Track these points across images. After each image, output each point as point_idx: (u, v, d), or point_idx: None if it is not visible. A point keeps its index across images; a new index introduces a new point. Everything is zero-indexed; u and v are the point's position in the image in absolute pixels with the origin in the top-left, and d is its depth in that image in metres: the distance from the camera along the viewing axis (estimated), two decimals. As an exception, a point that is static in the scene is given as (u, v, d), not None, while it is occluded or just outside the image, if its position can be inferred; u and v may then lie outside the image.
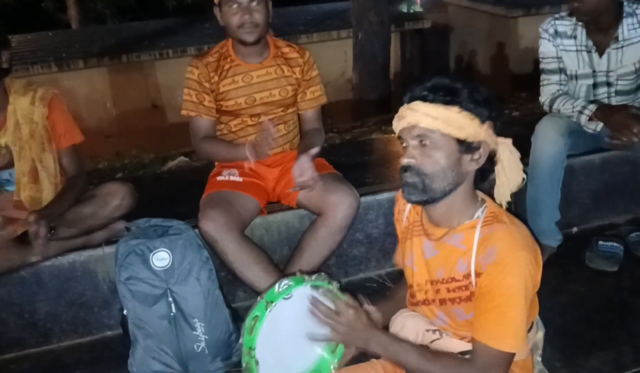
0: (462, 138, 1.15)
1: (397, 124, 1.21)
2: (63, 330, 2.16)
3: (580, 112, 2.22)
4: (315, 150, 2.04)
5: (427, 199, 1.20)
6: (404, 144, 1.21)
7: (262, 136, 1.97)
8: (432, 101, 1.15)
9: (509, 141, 1.24)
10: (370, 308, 1.35)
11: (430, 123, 1.14)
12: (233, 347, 1.89)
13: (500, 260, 1.12)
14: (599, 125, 2.24)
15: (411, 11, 10.75)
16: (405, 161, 1.19)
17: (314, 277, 1.21)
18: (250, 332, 1.15)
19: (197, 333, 1.82)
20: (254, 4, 2.03)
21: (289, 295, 1.16)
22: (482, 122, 1.16)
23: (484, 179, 1.25)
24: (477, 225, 1.19)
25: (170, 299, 1.80)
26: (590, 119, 2.21)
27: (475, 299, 1.18)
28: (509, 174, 1.25)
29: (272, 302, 1.14)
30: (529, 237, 1.19)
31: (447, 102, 1.14)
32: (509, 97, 5.40)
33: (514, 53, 8.76)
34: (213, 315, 1.85)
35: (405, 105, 1.19)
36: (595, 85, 2.31)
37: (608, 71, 2.28)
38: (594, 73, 2.30)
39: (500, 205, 1.28)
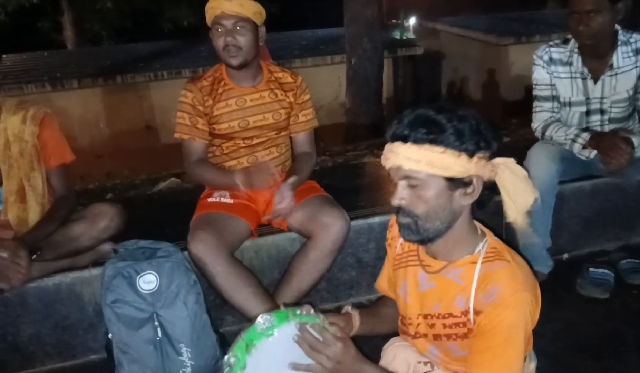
0: (450, 176, 1.10)
1: (383, 163, 1.17)
2: (47, 353, 2.11)
3: (574, 141, 2.24)
4: (292, 180, 2.06)
5: (422, 239, 1.17)
6: (395, 182, 1.17)
7: (259, 170, 2.00)
8: (414, 141, 1.09)
9: (510, 161, 1.16)
10: (354, 312, 1.33)
11: (414, 165, 1.09)
12: (220, 373, 1.85)
13: (501, 301, 1.09)
14: (592, 153, 2.26)
15: (404, 38, 10.93)
16: (395, 202, 1.15)
17: (298, 311, 1.17)
18: (230, 371, 1.11)
19: (183, 358, 1.78)
20: (239, 27, 2.04)
21: (271, 334, 1.11)
22: (471, 156, 1.10)
23: (481, 207, 1.19)
24: (477, 260, 1.16)
25: (156, 323, 1.76)
26: (584, 147, 2.23)
27: (472, 337, 1.15)
28: (513, 196, 1.16)
29: (252, 342, 1.10)
30: (530, 275, 1.15)
31: (429, 142, 1.08)
32: (500, 123, 5.46)
33: (505, 80, 8.89)
34: (200, 340, 1.82)
35: (388, 145, 1.14)
36: (588, 113, 2.34)
37: (602, 98, 2.31)
38: (587, 100, 2.33)
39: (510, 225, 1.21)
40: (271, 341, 1.11)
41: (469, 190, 1.13)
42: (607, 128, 2.34)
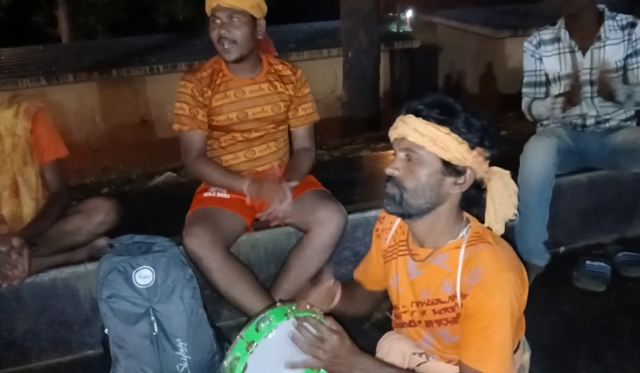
0: (447, 159, 1.14)
1: (390, 134, 1.21)
2: (43, 349, 2.10)
3: (553, 109, 2.34)
4: (294, 184, 2.03)
5: (402, 213, 1.19)
6: (394, 154, 1.21)
7: (272, 189, 1.97)
8: (424, 117, 1.14)
9: (506, 173, 1.22)
10: (336, 287, 1.38)
11: (418, 138, 1.13)
12: (216, 368, 1.84)
13: (485, 282, 1.11)
14: (576, 109, 2.36)
15: (400, 31, 10.90)
16: (389, 171, 1.19)
17: (295, 306, 1.18)
18: (231, 372, 1.11)
19: (180, 353, 1.78)
20: (235, 20, 2.02)
21: (270, 332, 1.12)
22: (472, 147, 1.14)
23: (470, 205, 1.23)
24: (461, 245, 1.18)
25: (152, 318, 1.76)
26: (564, 110, 2.33)
27: (461, 321, 1.17)
28: (497, 206, 1.22)
29: (253, 342, 1.10)
30: (514, 257, 1.18)
31: (438, 121, 1.13)
32: (496, 116, 5.46)
33: (501, 73, 8.90)
34: (196, 335, 1.81)
35: (400, 117, 1.19)
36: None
37: (591, 69, 2.36)
38: (576, 73, 2.37)
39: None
40: (270, 339, 1.12)
41: (460, 180, 1.17)
42: (596, 100, 2.39)
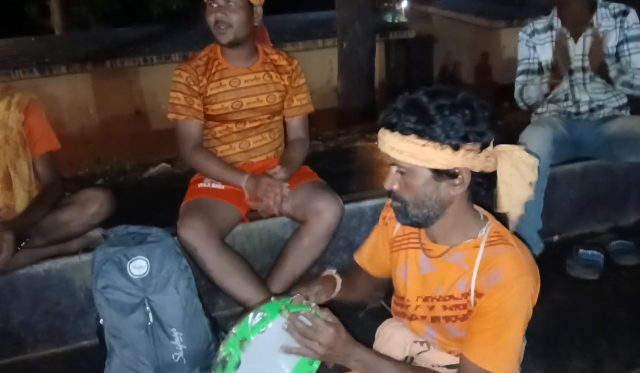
0: (434, 168, 1.11)
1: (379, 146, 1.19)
2: (38, 339, 2.10)
3: (541, 85, 2.37)
4: (285, 175, 2.02)
5: (412, 223, 1.19)
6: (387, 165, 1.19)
7: (270, 189, 1.97)
8: (400, 131, 1.09)
9: (516, 149, 1.14)
10: (337, 277, 1.37)
11: (397, 156, 1.11)
12: (212, 357, 1.85)
13: (504, 284, 1.10)
14: (564, 84, 2.39)
15: (396, 21, 10.87)
16: (387, 187, 1.19)
17: (290, 300, 1.17)
18: (223, 368, 1.10)
19: (175, 342, 1.78)
20: (231, 4, 2.01)
21: (264, 328, 1.11)
22: (456, 149, 1.09)
23: (488, 190, 1.18)
24: (480, 244, 1.17)
25: (147, 308, 1.76)
26: (552, 87, 2.35)
27: (471, 318, 1.16)
28: (510, 189, 1.17)
29: (245, 339, 1.09)
30: (532, 260, 1.17)
31: (415, 132, 1.08)
32: (492, 106, 5.45)
33: (496, 63, 8.89)
34: (191, 325, 1.81)
35: (381, 130, 1.15)
36: (571, 72, 2.40)
37: (583, 55, 2.37)
38: (568, 59, 2.37)
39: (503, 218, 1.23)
40: (264, 335, 1.11)
41: (456, 181, 1.13)
42: (589, 86, 2.41)
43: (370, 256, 1.47)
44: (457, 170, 1.11)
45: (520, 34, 2.52)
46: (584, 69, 2.38)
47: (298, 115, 2.25)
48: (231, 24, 2.02)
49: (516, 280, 1.10)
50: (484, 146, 1.12)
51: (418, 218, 1.17)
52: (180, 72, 2.09)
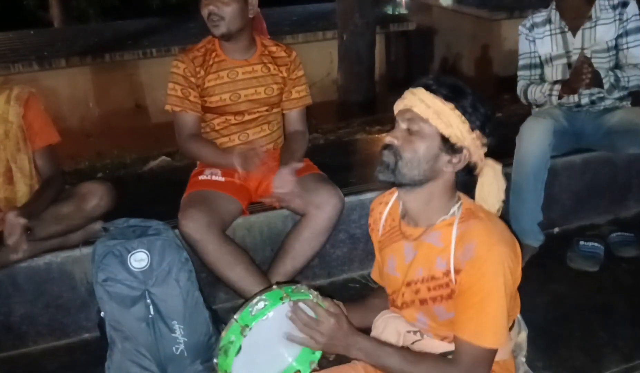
0: (447, 135, 1.15)
1: (396, 105, 1.23)
2: (39, 332, 2.11)
3: (550, 95, 2.34)
4: (298, 166, 2.03)
5: (394, 181, 1.20)
6: (395, 125, 1.22)
7: (250, 150, 1.99)
8: (433, 91, 1.16)
9: (497, 167, 1.24)
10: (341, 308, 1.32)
11: (423, 110, 1.16)
12: (213, 349, 1.85)
13: (478, 257, 1.11)
14: (574, 97, 2.37)
15: (396, 13, 10.81)
16: (388, 139, 1.20)
17: (292, 288, 1.17)
18: (225, 355, 1.11)
19: (176, 335, 1.79)
20: None
21: (265, 315, 1.11)
22: (472, 129, 1.17)
23: (464, 190, 1.25)
24: (454, 222, 1.19)
25: (148, 301, 1.76)
26: (561, 97, 2.33)
27: (455, 297, 1.17)
28: (486, 195, 1.25)
29: (247, 326, 1.09)
30: (506, 231, 1.18)
31: (446, 97, 1.16)
32: (492, 98, 5.44)
33: (497, 55, 8.85)
34: (192, 317, 1.82)
35: (410, 89, 1.21)
36: (570, 65, 2.38)
37: (582, 48, 2.35)
38: (567, 53, 2.38)
39: None
40: (265, 322, 1.11)
41: (455, 159, 1.18)
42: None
43: (380, 273, 1.46)
44: (463, 148, 1.17)
45: (520, 28, 2.50)
46: None
47: (296, 107, 2.24)
48: (223, 17, 2.01)
49: (489, 252, 1.11)
50: (485, 145, 1.21)
51: (403, 178, 1.18)
52: (178, 63, 2.09)
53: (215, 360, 1.14)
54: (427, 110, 1.15)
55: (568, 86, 2.29)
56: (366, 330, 1.22)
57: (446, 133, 1.15)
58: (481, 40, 9.17)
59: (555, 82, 2.35)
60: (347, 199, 2.20)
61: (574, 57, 2.35)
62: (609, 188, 2.69)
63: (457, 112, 1.15)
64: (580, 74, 2.20)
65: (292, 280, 2.03)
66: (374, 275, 1.50)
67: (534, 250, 2.37)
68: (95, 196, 2.00)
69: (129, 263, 1.76)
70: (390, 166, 1.19)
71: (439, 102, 1.15)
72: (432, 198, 1.21)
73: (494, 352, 1.15)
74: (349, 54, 6.94)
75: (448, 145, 1.17)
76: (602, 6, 2.33)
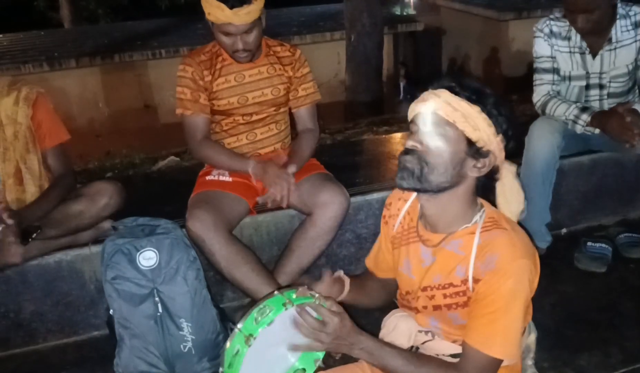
0: (474, 139, 1.12)
1: (416, 107, 1.17)
2: (49, 329, 2.14)
3: (575, 122, 2.23)
4: (293, 170, 2.03)
5: (419, 189, 1.16)
6: (414, 129, 1.16)
7: (278, 176, 1.98)
8: (457, 94, 1.12)
9: (513, 168, 1.23)
10: (345, 278, 1.35)
11: (450, 113, 1.11)
12: (220, 347, 1.87)
13: (500, 268, 1.10)
14: (596, 130, 2.24)
15: (404, 14, 10.79)
16: (410, 144, 1.15)
17: (294, 294, 1.16)
18: (230, 367, 1.11)
19: (184, 333, 1.80)
20: (249, 25, 1.97)
21: (270, 325, 1.11)
22: (498, 133, 1.14)
23: (483, 194, 1.22)
24: (476, 230, 1.17)
25: (156, 299, 1.78)
26: (590, 131, 2.23)
27: (470, 304, 1.16)
28: (509, 197, 1.22)
29: (251, 335, 1.09)
30: (529, 244, 1.16)
31: (470, 100, 1.12)
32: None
33: (505, 56, 8.81)
34: (200, 315, 1.83)
35: (430, 90, 1.16)
36: (587, 87, 2.32)
37: (601, 73, 2.29)
38: (587, 74, 2.31)
39: None
40: (269, 329, 1.11)
41: (480, 164, 1.15)
42: (605, 103, 2.33)
43: (376, 258, 1.46)
44: (488, 152, 1.14)
45: (536, 29, 2.35)
46: (601, 87, 2.30)
47: (304, 104, 2.24)
48: (251, 48, 2.04)
49: (511, 264, 1.10)
50: (505, 149, 1.18)
51: (430, 184, 1.14)
52: (185, 66, 2.10)
53: (221, 369, 1.14)
54: (455, 113, 1.10)
55: (599, 121, 2.17)
56: (364, 327, 1.22)
57: (474, 137, 1.11)
58: (489, 41, 9.13)
59: (584, 108, 2.22)
60: (354, 199, 2.20)
61: (592, 80, 2.29)
62: (617, 189, 2.67)
63: (484, 115, 1.12)
64: (629, 129, 2.08)
65: (292, 284, 2.03)
66: (369, 263, 1.48)
67: (542, 251, 2.36)
68: (105, 195, 2.02)
69: (137, 262, 1.78)
70: (415, 173, 1.13)
71: (465, 104, 1.11)
72: (453, 204, 1.18)
73: (499, 362, 1.13)
74: (356, 55, 6.94)
75: (474, 150, 1.13)
76: (623, 27, 2.22)
